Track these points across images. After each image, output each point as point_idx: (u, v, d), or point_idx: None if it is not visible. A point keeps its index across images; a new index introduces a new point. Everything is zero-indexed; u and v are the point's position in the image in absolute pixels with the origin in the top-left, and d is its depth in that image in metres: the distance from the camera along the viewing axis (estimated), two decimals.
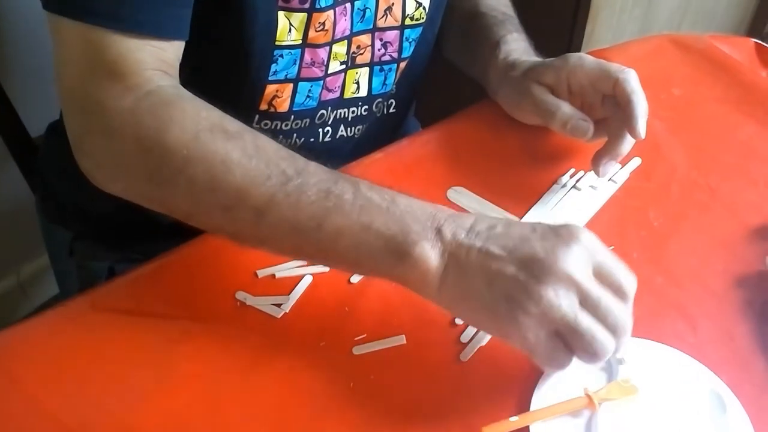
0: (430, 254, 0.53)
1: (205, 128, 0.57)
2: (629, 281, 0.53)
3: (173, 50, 0.63)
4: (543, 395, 0.55)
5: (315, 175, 0.56)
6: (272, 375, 0.57)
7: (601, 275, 0.52)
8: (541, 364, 0.54)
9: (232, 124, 0.59)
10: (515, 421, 0.53)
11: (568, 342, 0.51)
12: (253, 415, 0.55)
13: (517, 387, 0.56)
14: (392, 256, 0.54)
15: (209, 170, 0.56)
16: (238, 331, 0.60)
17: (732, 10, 1.80)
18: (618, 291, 0.52)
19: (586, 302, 0.51)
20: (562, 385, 0.56)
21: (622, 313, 0.52)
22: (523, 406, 0.55)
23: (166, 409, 0.55)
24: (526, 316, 0.50)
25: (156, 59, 0.61)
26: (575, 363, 0.52)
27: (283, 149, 0.58)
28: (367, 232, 0.54)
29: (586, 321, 0.50)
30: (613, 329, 0.51)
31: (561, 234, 0.53)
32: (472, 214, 0.56)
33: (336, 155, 0.82)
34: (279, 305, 0.61)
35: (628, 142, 0.70)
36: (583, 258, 0.51)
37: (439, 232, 0.54)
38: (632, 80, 0.68)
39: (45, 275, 1.51)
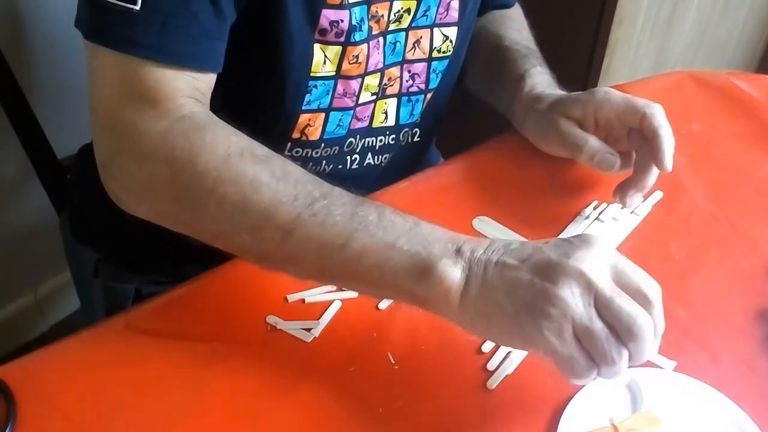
0: (452, 270, 0.53)
1: (235, 152, 0.59)
2: (651, 286, 0.52)
3: (207, 80, 0.65)
4: (569, 424, 0.56)
5: (341, 197, 0.58)
6: (302, 398, 0.58)
7: (620, 280, 0.51)
8: (564, 372, 0.51)
9: (261, 149, 0.61)
10: None
11: (586, 347, 0.50)
12: None
13: (543, 416, 0.57)
14: (416, 273, 0.54)
15: (239, 191, 0.58)
16: (269, 354, 0.61)
17: (743, 46, 1.82)
18: (637, 295, 0.51)
19: (599, 302, 0.50)
20: (587, 414, 0.56)
21: (638, 316, 0.50)
22: None
23: (197, 431, 0.56)
24: (547, 320, 0.50)
25: (191, 88, 0.63)
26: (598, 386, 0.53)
27: (309, 174, 0.60)
28: (391, 250, 0.55)
29: (599, 324, 0.50)
30: (625, 333, 0.50)
31: (573, 241, 0.53)
32: (491, 238, 0.57)
33: (363, 182, 0.83)
34: (309, 330, 0.62)
35: (653, 175, 0.71)
36: (598, 261, 0.51)
37: (458, 250, 0.55)
38: (659, 115, 0.70)
39: (62, 294, 1.52)
